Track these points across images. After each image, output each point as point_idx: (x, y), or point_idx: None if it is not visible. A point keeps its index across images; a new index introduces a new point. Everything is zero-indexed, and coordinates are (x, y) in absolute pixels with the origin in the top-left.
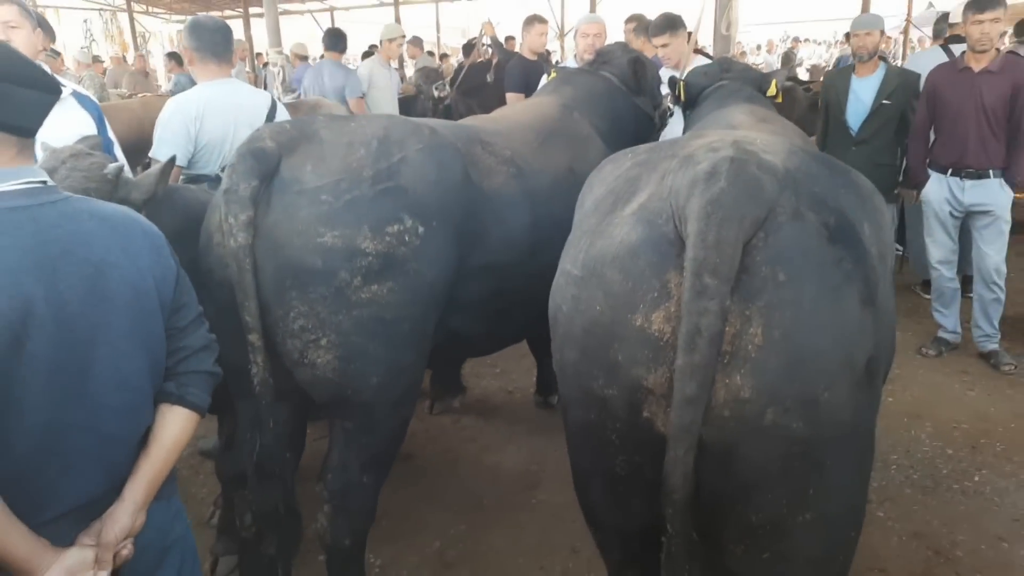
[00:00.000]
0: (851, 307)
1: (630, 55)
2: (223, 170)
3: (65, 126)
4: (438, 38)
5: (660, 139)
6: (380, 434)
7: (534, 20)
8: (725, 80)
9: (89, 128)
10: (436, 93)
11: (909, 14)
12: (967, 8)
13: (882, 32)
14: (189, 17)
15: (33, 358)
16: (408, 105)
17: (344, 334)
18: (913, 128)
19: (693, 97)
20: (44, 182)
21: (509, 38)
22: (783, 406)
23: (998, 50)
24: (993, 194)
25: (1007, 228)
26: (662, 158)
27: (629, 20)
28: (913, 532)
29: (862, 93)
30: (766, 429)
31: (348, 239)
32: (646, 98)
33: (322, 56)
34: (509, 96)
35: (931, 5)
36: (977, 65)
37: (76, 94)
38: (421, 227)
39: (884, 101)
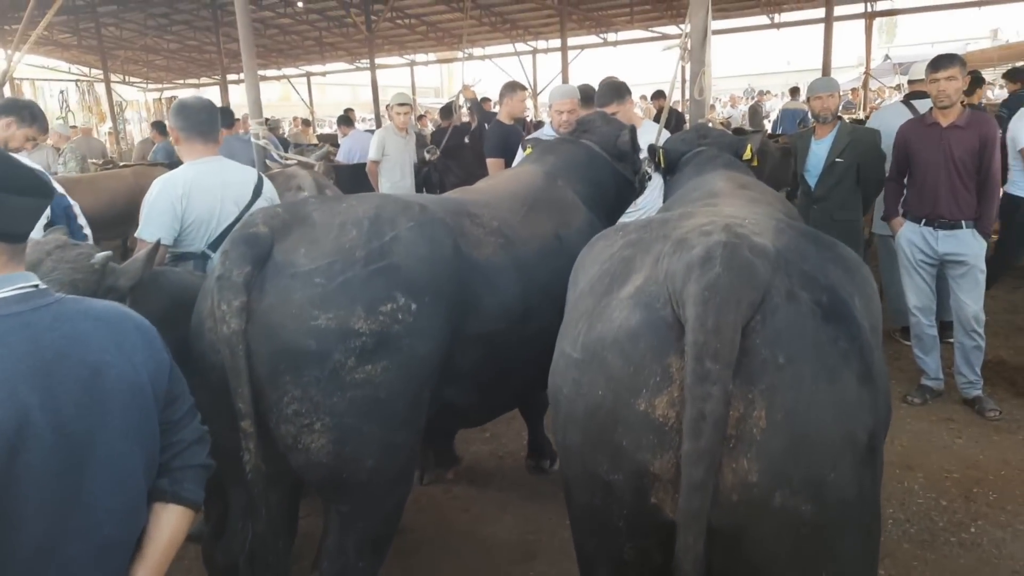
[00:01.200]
0: (849, 385)
1: (612, 124)
2: (209, 247)
3: None
4: (413, 100)
5: (640, 202)
6: (376, 516)
7: (515, 87)
8: (702, 146)
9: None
10: (428, 157)
11: (868, 66)
12: (927, 67)
13: (839, 94)
14: (168, 89)
15: (29, 468)
16: None
17: (338, 416)
18: (887, 178)
19: (672, 163)
20: (36, 285)
21: (484, 100)
22: (790, 488)
23: (963, 104)
24: (966, 244)
25: (983, 277)
26: (654, 239)
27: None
28: None
29: (819, 152)
30: (775, 512)
31: (342, 320)
32: (627, 164)
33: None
34: (489, 162)
35: (887, 57)
36: (945, 120)
37: None
38: (414, 304)
39: (836, 159)
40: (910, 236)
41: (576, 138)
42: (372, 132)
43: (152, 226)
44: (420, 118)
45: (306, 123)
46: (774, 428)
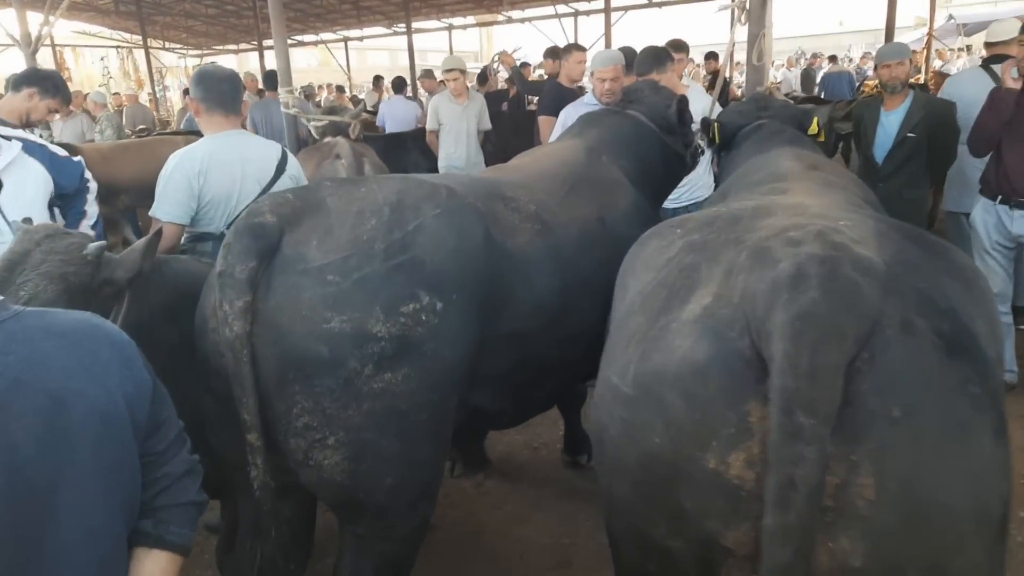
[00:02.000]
0: (984, 443)
1: (661, 93)
2: (229, 227)
3: (20, 188)
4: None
5: (688, 178)
6: (396, 539)
7: (572, 49)
8: (763, 119)
9: (45, 180)
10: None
11: (931, 27)
12: (1022, 28)
13: (910, 61)
14: (207, 55)
15: None
16: (423, 139)
17: (354, 431)
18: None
19: (728, 138)
20: None
21: (524, 65)
22: None
23: None
24: None
25: None
26: (724, 244)
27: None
28: None
29: (889, 126)
30: None
31: (358, 323)
32: (677, 137)
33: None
34: (541, 119)
35: (951, 17)
36: None
37: (27, 146)
38: (439, 303)
39: (909, 134)
40: (985, 216)
41: (622, 108)
42: (412, 99)
43: (167, 204)
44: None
45: (340, 89)
46: (885, 500)
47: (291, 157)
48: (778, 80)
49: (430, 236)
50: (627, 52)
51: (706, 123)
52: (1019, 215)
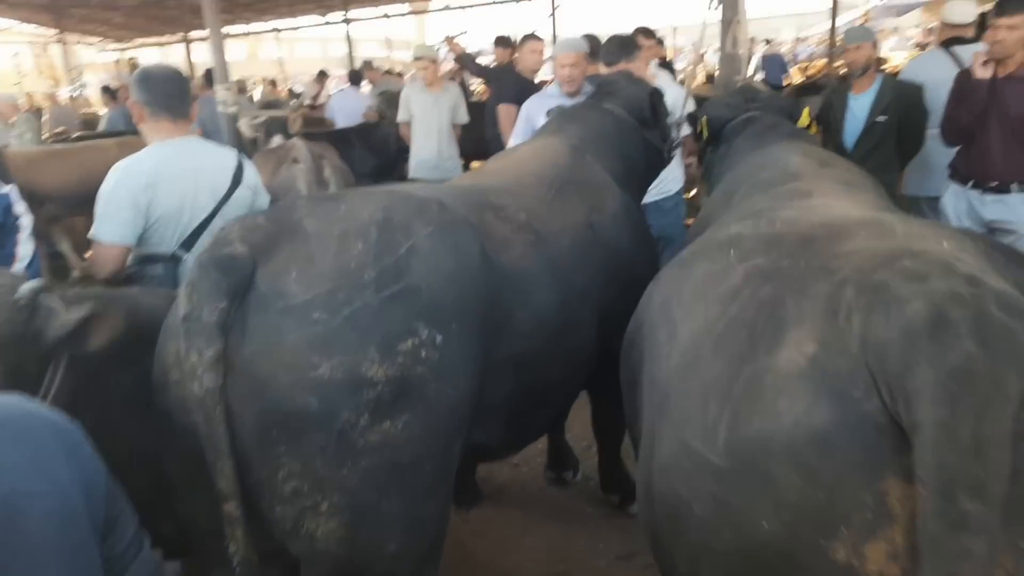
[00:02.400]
0: None
1: (638, 86)
2: (181, 246)
3: None
4: (389, 56)
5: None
6: None
7: (527, 38)
8: (751, 112)
9: None
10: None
11: (866, 13)
12: (994, 9)
13: (875, 44)
14: (128, 49)
15: None
16: (369, 133)
17: (351, 493)
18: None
19: (715, 132)
20: None
21: (476, 54)
22: None
23: None
24: (1016, 210)
25: None
26: (807, 273)
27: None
28: None
29: (858, 110)
30: None
31: (351, 367)
32: (655, 131)
33: None
34: (501, 108)
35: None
36: (1002, 70)
37: None
38: (439, 335)
39: (878, 118)
40: (956, 202)
41: (598, 102)
42: (356, 90)
43: (110, 224)
44: (401, 75)
45: (273, 83)
46: None
47: (248, 165)
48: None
49: (425, 259)
50: (592, 40)
51: (693, 117)
52: (991, 200)
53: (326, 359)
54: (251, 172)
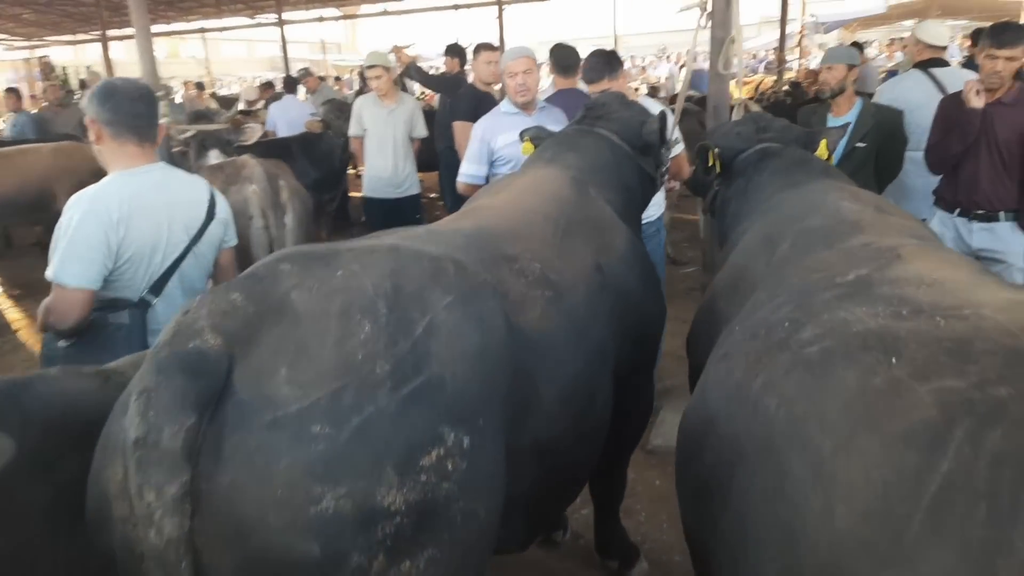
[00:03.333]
0: None
1: (632, 109)
2: (151, 290)
3: None
4: (325, 59)
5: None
6: None
7: (480, 48)
8: (764, 142)
9: None
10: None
11: (802, 28)
12: (987, 37)
13: (850, 67)
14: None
15: None
16: (311, 144)
17: None
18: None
19: (727, 164)
20: None
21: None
22: None
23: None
24: (1004, 239)
25: (1021, 276)
26: None
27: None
28: None
29: None
30: None
31: (363, 496)
32: (650, 158)
33: None
34: (457, 126)
35: (812, 16)
36: (990, 97)
37: None
38: (467, 438)
39: (858, 144)
40: (941, 230)
41: (591, 127)
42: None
43: (76, 265)
44: (338, 80)
45: (199, 86)
46: None
47: (219, 197)
48: (658, 78)
49: (447, 340)
50: (562, 54)
51: (703, 148)
52: (978, 228)
53: (330, 488)
54: (222, 204)
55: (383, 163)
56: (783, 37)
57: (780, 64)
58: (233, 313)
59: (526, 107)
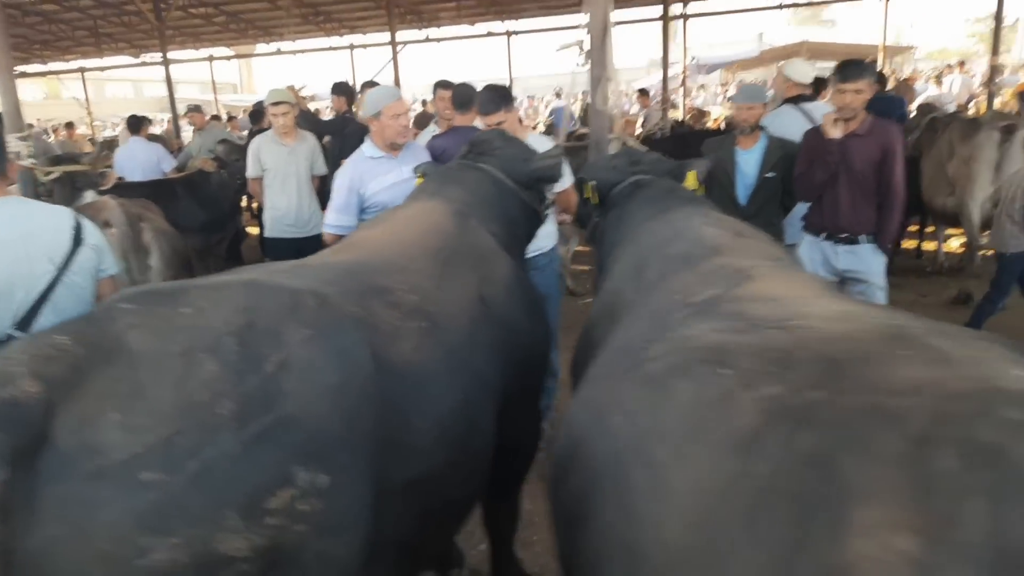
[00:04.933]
0: None
1: (515, 145)
2: (17, 326)
3: None
4: (215, 100)
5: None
6: None
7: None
8: (637, 175)
9: None
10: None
11: (685, 69)
12: (836, 75)
13: (764, 105)
14: None
15: None
16: (198, 184)
17: None
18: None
19: (603, 196)
20: None
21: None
22: None
23: (866, 111)
24: (865, 260)
25: (883, 295)
26: (861, 415)
27: (442, 86)
28: None
29: (746, 166)
30: None
31: (201, 544)
32: (534, 193)
33: None
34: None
35: (694, 58)
36: (845, 129)
37: None
38: (325, 475)
39: (767, 174)
40: (811, 252)
41: (474, 162)
42: (157, 138)
43: None
44: (231, 120)
45: (70, 126)
46: None
47: (88, 223)
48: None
49: (302, 377)
50: (464, 90)
51: (580, 181)
52: (843, 250)
53: (162, 538)
54: (91, 230)
55: (287, 203)
56: (665, 77)
57: (664, 103)
58: (58, 357)
59: (392, 149)
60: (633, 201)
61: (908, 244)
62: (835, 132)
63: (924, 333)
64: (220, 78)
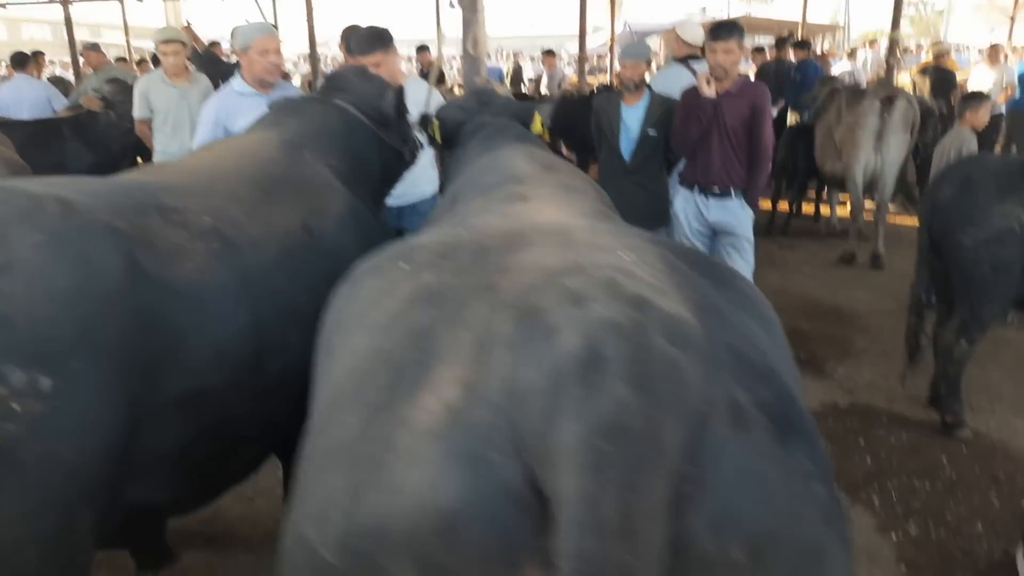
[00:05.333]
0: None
1: (371, 81)
2: None
3: None
4: (128, 42)
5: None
6: None
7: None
8: (485, 115)
9: None
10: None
11: (613, 34)
12: (708, 35)
13: (648, 63)
14: None
15: None
16: (85, 125)
17: None
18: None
19: (450, 136)
20: None
21: (214, 43)
22: None
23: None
24: (734, 213)
25: (750, 247)
26: (471, 292)
27: (348, 30)
28: None
29: (630, 122)
30: None
31: None
32: (393, 131)
33: None
34: None
35: (626, 25)
36: (720, 88)
37: None
38: (48, 379)
39: (649, 130)
40: (685, 206)
41: (326, 96)
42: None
43: None
44: (141, 63)
45: None
46: None
47: None
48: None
49: (26, 279)
50: (348, 33)
51: (425, 119)
52: (714, 204)
53: None
54: None
55: (178, 148)
56: (583, 40)
57: (581, 63)
58: None
59: (262, 87)
60: (473, 139)
61: (807, 208)
62: (709, 91)
63: (587, 228)
64: (147, 22)
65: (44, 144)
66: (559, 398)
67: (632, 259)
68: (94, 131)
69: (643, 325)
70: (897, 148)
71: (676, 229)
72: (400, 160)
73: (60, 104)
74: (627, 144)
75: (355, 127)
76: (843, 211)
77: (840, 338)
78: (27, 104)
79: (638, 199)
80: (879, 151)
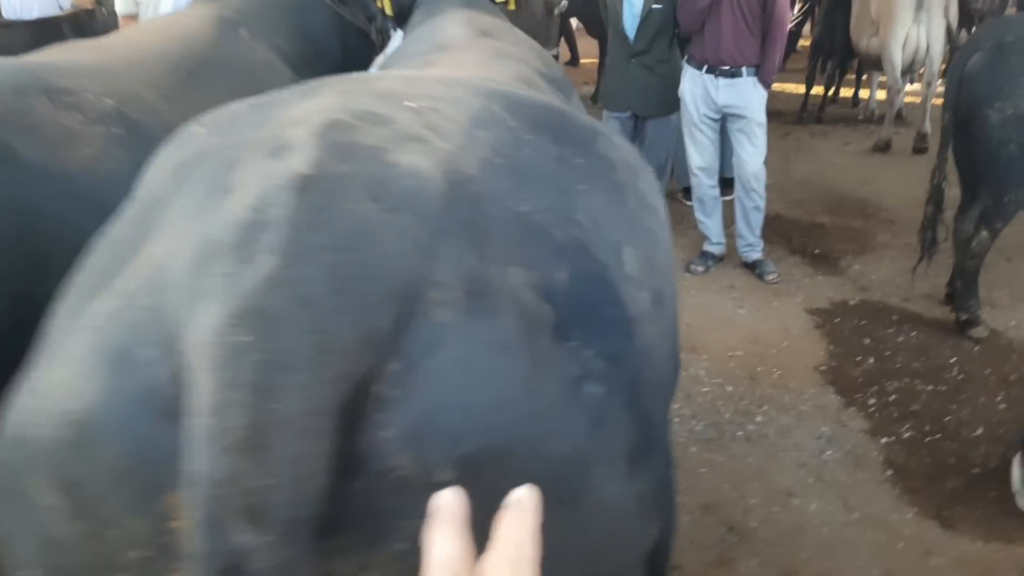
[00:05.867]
0: (629, 507)
1: None
2: None
3: None
4: None
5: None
6: None
7: None
8: None
9: None
10: None
11: None
12: None
13: None
14: None
15: None
16: (84, 24)
17: None
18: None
19: (405, 9)
20: None
21: None
22: None
23: None
24: (746, 95)
25: (762, 131)
26: (216, 154)
27: None
28: (704, 505)
29: (634, 0)
30: None
31: None
32: (355, 10)
33: None
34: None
35: None
36: None
37: None
38: None
39: (654, 6)
40: (693, 88)
41: None
42: None
43: None
44: None
45: None
46: None
47: None
48: None
49: None
50: None
51: None
52: (724, 84)
53: None
54: None
55: None
56: None
57: None
58: None
59: None
60: (419, 10)
61: (846, 92)
62: None
63: (412, 79)
64: None
65: (48, 43)
66: (204, 276)
67: (426, 102)
68: (92, 28)
69: (339, 181)
70: (942, 18)
71: (683, 116)
72: (366, 42)
73: (67, 2)
74: (630, 20)
75: (308, 5)
76: (884, 95)
77: (861, 232)
78: (37, 3)
79: (646, 84)
80: (920, 22)
